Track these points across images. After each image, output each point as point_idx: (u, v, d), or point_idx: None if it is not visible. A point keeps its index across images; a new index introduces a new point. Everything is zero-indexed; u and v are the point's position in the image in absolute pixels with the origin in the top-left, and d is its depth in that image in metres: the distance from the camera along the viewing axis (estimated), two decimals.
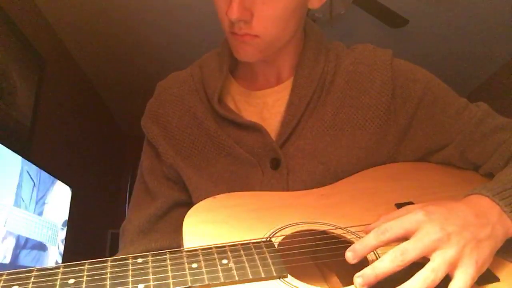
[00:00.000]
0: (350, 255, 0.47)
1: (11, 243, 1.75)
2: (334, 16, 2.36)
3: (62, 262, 2.26)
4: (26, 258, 1.86)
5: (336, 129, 0.67)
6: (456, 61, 3.28)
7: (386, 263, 0.45)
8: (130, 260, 0.45)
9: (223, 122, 0.69)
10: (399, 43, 3.02)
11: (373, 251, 0.51)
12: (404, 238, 0.47)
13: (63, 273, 0.43)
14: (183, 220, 0.54)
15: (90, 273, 0.44)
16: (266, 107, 0.70)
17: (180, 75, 0.77)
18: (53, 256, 2.18)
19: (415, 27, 2.75)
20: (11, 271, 0.42)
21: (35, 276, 0.42)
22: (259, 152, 0.67)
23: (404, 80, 0.68)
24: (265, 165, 0.67)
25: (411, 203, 0.61)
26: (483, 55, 3.20)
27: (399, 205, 0.61)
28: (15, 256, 1.77)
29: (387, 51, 0.71)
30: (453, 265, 0.45)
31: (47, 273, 0.43)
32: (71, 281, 0.42)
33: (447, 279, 0.45)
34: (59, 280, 0.42)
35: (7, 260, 1.71)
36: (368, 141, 0.67)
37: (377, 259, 0.50)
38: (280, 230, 0.54)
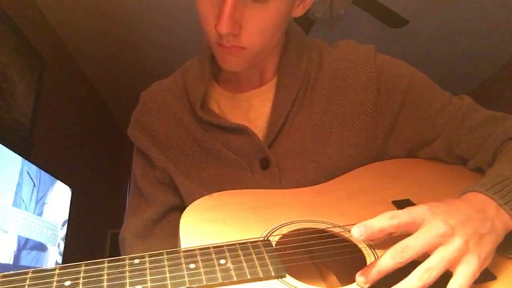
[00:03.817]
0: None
1: (11, 243, 1.75)
2: (334, 16, 2.36)
3: (62, 262, 2.26)
4: (26, 258, 1.86)
5: (325, 127, 0.67)
6: (456, 61, 3.28)
7: (387, 260, 0.45)
8: (127, 261, 0.45)
9: (209, 127, 0.69)
10: (399, 43, 3.02)
11: (372, 251, 0.51)
12: (409, 230, 0.47)
13: (59, 275, 0.43)
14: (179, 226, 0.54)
15: (86, 274, 0.43)
16: (252, 109, 0.70)
17: (163, 83, 0.77)
18: (53, 256, 2.18)
19: (415, 27, 2.75)
20: (5, 273, 0.42)
21: (31, 279, 0.42)
22: (247, 154, 0.67)
23: (388, 76, 0.68)
24: (254, 166, 0.67)
25: (408, 200, 0.61)
26: (483, 55, 3.20)
27: (396, 203, 0.61)
28: (15, 256, 1.77)
29: (369, 46, 0.71)
30: (455, 261, 0.44)
31: (43, 275, 0.42)
32: (67, 283, 0.42)
33: (449, 274, 0.45)
34: (55, 282, 0.42)
35: (7, 260, 1.71)
36: (357, 138, 0.67)
37: (375, 258, 0.50)
38: (278, 228, 0.54)
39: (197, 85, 0.70)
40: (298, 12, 0.65)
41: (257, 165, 0.66)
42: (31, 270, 0.43)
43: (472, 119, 0.67)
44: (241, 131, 0.67)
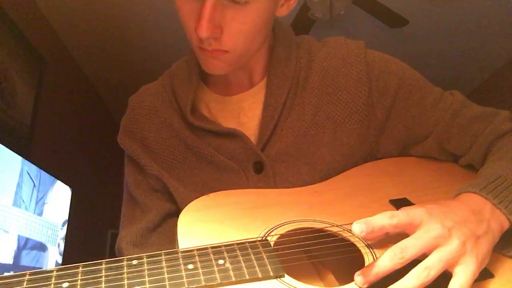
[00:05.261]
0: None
1: (11, 243, 1.75)
2: (334, 16, 2.36)
3: (62, 262, 2.25)
4: (26, 258, 1.86)
5: (317, 128, 0.67)
6: (456, 61, 3.28)
7: (385, 261, 0.45)
8: (125, 262, 0.45)
9: (201, 132, 0.68)
10: (399, 43, 3.02)
11: (370, 250, 0.51)
12: (407, 231, 0.48)
13: (57, 276, 0.43)
14: (176, 231, 0.54)
15: (84, 276, 0.43)
16: (243, 111, 0.69)
17: (151, 87, 0.76)
18: (53, 256, 2.18)
19: (415, 27, 2.74)
20: (2, 275, 0.42)
21: (28, 281, 0.42)
22: (240, 158, 0.66)
23: (379, 73, 0.68)
24: (248, 170, 0.66)
25: (405, 199, 0.61)
26: (483, 55, 3.19)
27: (393, 201, 0.61)
28: (15, 256, 1.77)
29: (359, 43, 0.70)
30: (453, 262, 0.45)
31: (40, 277, 0.42)
32: (65, 285, 0.42)
33: (448, 275, 0.45)
34: (52, 284, 0.42)
35: (7, 260, 1.71)
36: (350, 137, 0.67)
37: (373, 257, 0.50)
38: (276, 228, 0.54)
39: (186, 89, 0.69)
40: (283, 12, 0.63)
41: (250, 169, 0.66)
42: (28, 272, 0.42)
43: (463, 116, 0.67)
44: (233, 135, 0.66)
